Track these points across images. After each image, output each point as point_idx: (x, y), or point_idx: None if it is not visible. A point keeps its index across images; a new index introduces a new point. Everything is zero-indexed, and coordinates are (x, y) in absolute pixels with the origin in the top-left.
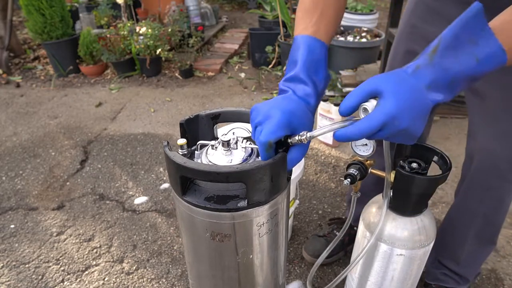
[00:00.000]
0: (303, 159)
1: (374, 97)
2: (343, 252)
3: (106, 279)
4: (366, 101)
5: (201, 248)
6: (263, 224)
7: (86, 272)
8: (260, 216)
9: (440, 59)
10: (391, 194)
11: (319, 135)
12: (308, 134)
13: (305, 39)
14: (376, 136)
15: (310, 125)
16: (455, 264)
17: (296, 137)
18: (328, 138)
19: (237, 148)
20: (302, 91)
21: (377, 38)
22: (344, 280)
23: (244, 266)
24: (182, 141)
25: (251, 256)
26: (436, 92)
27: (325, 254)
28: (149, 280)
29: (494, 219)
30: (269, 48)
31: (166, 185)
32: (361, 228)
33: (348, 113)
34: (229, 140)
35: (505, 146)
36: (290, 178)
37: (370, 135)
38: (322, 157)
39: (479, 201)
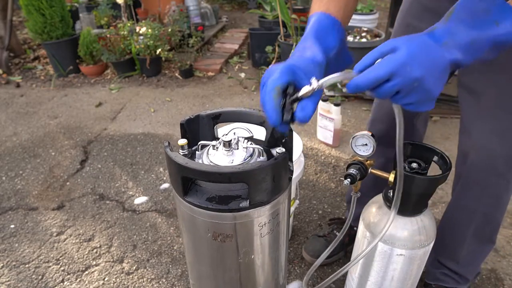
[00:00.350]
0: (303, 159)
1: None
2: (343, 253)
3: (106, 279)
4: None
5: (202, 249)
6: (264, 224)
7: (86, 272)
8: (261, 216)
9: (456, 20)
10: (391, 194)
11: (327, 83)
12: (317, 81)
13: (315, 15)
14: (385, 89)
15: (318, 76)
16: (454, 263)
17: (305, 88)
18: (328, 138)
19: (238, 148)
20: (309, 53)
21: (377, 38)
22: (344, 280)
23: (246, 266)
24: (183, 141)
25: (252, 257)
26: (453, 49)
27: (324, 255)
28: (149, 280)
29: (492, 217)
30: (269, 48)
31: (166, 185)
32: (361, 228)
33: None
34: (230, 140)
35: (502, 143)
36: (291, 177)
37: (378, 83)
38: (322, 157)
39: (477, 199)
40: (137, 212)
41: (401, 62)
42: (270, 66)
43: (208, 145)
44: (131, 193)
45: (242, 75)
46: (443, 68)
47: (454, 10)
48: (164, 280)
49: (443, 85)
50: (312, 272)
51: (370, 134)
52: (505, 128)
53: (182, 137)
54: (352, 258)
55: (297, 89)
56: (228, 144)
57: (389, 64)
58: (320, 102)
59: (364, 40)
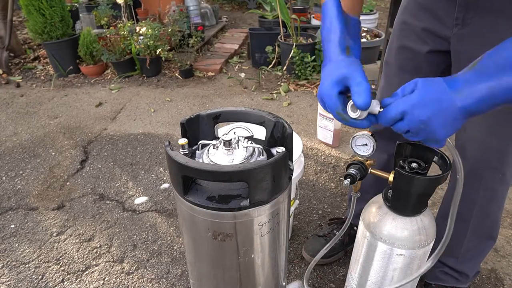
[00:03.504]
0: (303, 159)
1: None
2: (343, 252)
3: (106, 279)
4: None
5: (203, 248)
6: (264, 223)
7: (86, 272)
8: (261, 215)
9: (479, 69)
10: (391, 194)
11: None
12: (354, 112)
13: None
14: (399, 127)
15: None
16: (454, 259)
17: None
18: (328, 138)
19: (238, 148)
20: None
21: (377, 38)
22: (344, 280)
23: (246, 265)
24: (183, 140)
25: (252, 256)
26: (467, 97)
27: (322, 252)
28: (149, 280)
29: (490, 210)
30: (269, 48)
31: (166, 185)
32: (361, 228)
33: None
34: (231, 139)
35: (494, 137)
36: (291, 177)
37: (392, 123)
38: (322, 157)
39: (474, 191)
40: (137, 212)
41: (412, 104)
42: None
43: (209, 145)
44: (131, 193)
45: (242, 75)
46: (452, 114)
47: (481, 59)
48: (164, 280)
49: (454, 130)
50: (311, 269)
51: (370, 134)
52: (497, 122)
53: (183, 137)
54: (352, 259)
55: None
56: (228, 144)
57: (401, 105)
58: None
59: (364, 40)
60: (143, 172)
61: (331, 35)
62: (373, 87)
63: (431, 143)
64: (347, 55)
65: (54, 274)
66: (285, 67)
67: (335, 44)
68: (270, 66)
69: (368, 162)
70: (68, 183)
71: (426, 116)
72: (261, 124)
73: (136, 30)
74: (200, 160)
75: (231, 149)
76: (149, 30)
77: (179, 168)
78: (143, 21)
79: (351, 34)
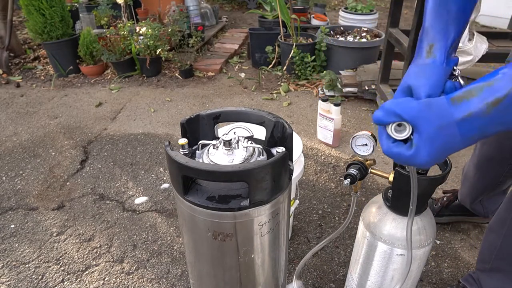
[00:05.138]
0: (303, 159)
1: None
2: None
3: (106, 279)
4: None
5: (203, 248)
6: (264, 223)
7: (86, 272)
8: (261, 215)
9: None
10: (390, 194)
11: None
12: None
13: None
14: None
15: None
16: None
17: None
18: (328, 138)
19: (238, 148)
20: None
21: (377, 38)
22: (344, 280)
23: (246, 265)
24: (183, 140)
25: (252, 256)
26: (471, 133)
27: (316, 248)
28: (149, 280)
29: None
30: (269, 48)
31: (166, 185)
32: (361, 228)
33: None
34: (231, 139)
35: None
36: (291, 177)
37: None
38: (322, 157)
39: None
40: (137, 212)
41: (409, 161)
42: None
43: (209, 145)
44: (131, 193)
45: (242, 75)
46: (458, 147)
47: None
48: (164, 280)
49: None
50: (303, 264)
51: (370, 134)
52: None
53: (183, 137)
54: (352, 258)
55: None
56: (228, 144)
57: (399, 155)
58: (320, 102)
59: (364, 40)
60: (143, 172)
61: (421, 31)
62: (373, 87)
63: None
64: (426, 58)
65: (54, 274)
66: (285, 67)
67: (418, 43)
68: (270, 66)
69: (368, 162)
70: (68, 183)
71: (434, 152)
72: (261, 124)
73: (136, 30)
74: (200, 160)
75: (231, 149)
76: (149, 30)
77: (179, 168)
78: (143, 21)
79: (446, 23)
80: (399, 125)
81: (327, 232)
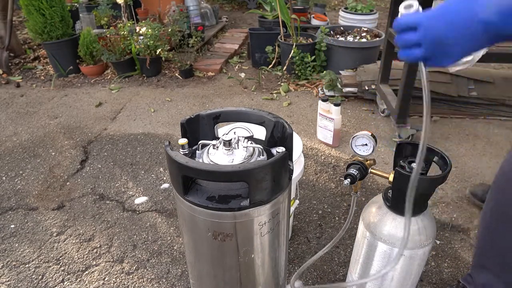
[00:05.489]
0: (303, 159)
1: None
2: None
3: (106, 279)
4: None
5: (203, 248)
6: (264, 223)
7: (86, 272)
8: (261, 215)
9: None
10: (391, 194)
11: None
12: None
13: None
14: (410, 36)
15: None
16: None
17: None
18: (328, 138)
19: (238, 148)
20: None
21: (377, 38)
22: (344, 280)
23: (246, 265)
24: (183, 140)
25: (252, 256)
26: (487, 7)
27: (319, 253)
28: (149, 280)
29: None
30: (269, 48)
31: (166, 185)
32: (361, 228)
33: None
34: (231, 139)
35: None
36: (291, 177)
37: (405, 29)
38: (322, 157)
39: None
40: (137, 212)
41: (429, 15)
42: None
43: (209, 145)
44: (131, 193)
45: (242, 75)
46: (470, 26)
47: None
48: (164, 280)
49: (471, 47)
50: (302, 270)
51: (370, 134)
52: None
53: (183, 137)
54: (352, 258)
55: None
56: (228, 144)
57: (418, 15)
58: (320, 102)
59: (364, 40)
60: (143, 172)
61: None
62: (373, 87)
63: (441, 60)
64: None
65: (54, 274)
66: (285, 67)
67: None
68: (270, 66)
69: (368, 162)
70: (68, 183)
71: (441, 27)
72: (261, 124)
73: (136, 30)
74: (200, 160)
75: (231, 149)
76: (149, 30)
77: (179, 168)
78: (143, 21)
79: None
80: (407, 7)
81: (327, 232)
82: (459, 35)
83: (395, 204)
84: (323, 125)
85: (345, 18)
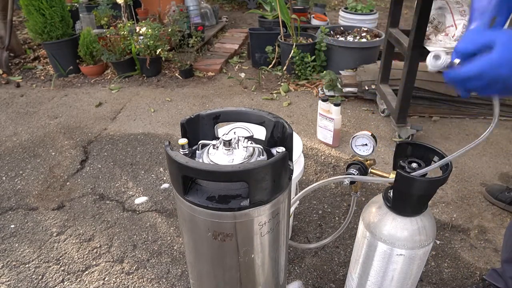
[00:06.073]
0: (303, 159)
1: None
2: None
3: (106, 279)
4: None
5: (203, 248)
6: (264, 223)
7: (86, 272)
8: (261, 215)
9: None
10: (391, 194)
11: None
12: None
13: None
14: (473, 84)
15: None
16: None
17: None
18: (328, 138)
19: (238, 148)
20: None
21: (377, 38)
22: (344, 280)
23: (246, 265)
24: (183, 140)
25: (252, 256)
26: None
27: (323, 242)
28: (149, 280)
29: None
30: (269, 48)
31: (166, 185)
32: (361, 228)
33: (460, 56)
34: (231, 139)
35: None
36: (291, 177)
37: (467, 80)
38: (322, 157)
39: None
40: (137, 212)
41: (493, 64)
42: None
43: (209, 145)
44: (131, 193)
45: (242, 75)
46: None
47: None
48: (164, 280)
49: None
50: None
51: (370, 134)
52: None
53: (183, 137)
54: (352, 258)
55: None
56: (228, 144)
57: (481, 65)
58: (320, 102)
59: (364, 40)
60: (143, 172)
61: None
62: (373, 87)
63: (503, 92)
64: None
65: (54, 274)
66: (285, 67)
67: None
68: (270, 66)
69: (368, 162)
70: (68, 183)
71: (507, 73)
72: (261, 124)
73: (136, 30)
74: (200, 160)
75: (231, 149)
76: (149, 30)
77: (179, 168)
78: (143, 21)
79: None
80: (435, 57)
81: (327, 232)
82: None
83: (395, 205)
84: (323, 125)
85: (345, 18)
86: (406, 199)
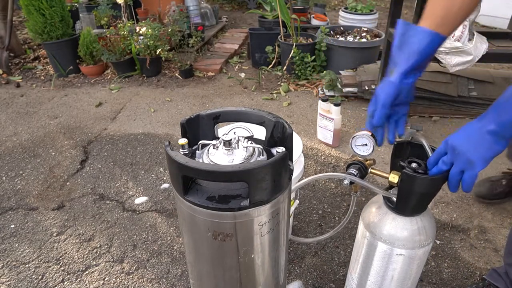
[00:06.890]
0: (303, 159)
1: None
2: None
3: (106, 279)
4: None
5: (203, 248)
6: (264, 223)
7: (86, 272)
8: (261, 215)
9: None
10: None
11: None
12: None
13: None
14: (443, 163)
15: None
16: None
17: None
18: (328, 138)
19: (238, 148)
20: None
21: (377, 38)
22: (344, 280)
23: (246, 265)
24: (183, 140)
25: (252, 256)
26: (490, 124)
27: (326, 235)
28: (149, 280)
29: None
30: (269, 48)
31: (166, 185)
32: (360, 228)
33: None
34: (231, 139)
35: None
36: (291, 177)
37: (439, 158)
38: (322, 157)
39: None
40: (137, 212)
41: (452, 143)
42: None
43: (209, 145)
44: (131, 193)
45: (242, 75)
46: (483, 141)
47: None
48: (164, 280)
49: (489, 152)
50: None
51: (370, 134)
52: None
53: (183, 137)
54: (352, 258)
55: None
56: (228, 144)
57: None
58: (320, 102)
59: (364, 40)
60: (143, 172)
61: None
62: (373, 87)
63: (468, 168)
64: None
65: (54, 274)
66: (285, 67)
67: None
68: (270, 66)
69: (368, 162)
70: (68, 183)
71: (457, 144)
72: (261, 124)
73: (136, 30)
74: (200, 160)
75: (231, 149)
76: (149, 30)
77: (179, 168)
78: (143, 21)
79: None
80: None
81: (327, 232)
82: (478, 148)
83: (396, 205)
84: (323, 125)
85: (345, 18)
86: (406, 198)
